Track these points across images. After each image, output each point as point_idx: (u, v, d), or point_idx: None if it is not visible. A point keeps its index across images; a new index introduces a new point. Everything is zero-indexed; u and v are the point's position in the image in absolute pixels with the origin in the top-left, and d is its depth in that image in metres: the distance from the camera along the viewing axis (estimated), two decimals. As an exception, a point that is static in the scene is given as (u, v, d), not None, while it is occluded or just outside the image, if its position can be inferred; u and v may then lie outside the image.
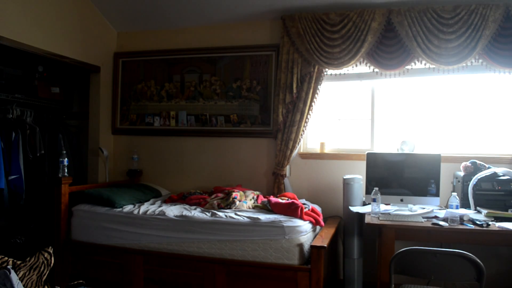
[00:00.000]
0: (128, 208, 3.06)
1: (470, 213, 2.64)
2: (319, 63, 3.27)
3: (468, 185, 2.81)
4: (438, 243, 3.10)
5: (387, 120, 3.48)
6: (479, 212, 2.72)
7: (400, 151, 3.17)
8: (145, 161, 3.94)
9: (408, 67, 3.17)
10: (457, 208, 2.66)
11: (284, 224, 2.63)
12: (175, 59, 3.86)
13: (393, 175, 3.00)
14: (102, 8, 3.75)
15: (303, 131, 3.38)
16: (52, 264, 1.88)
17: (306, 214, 2.80)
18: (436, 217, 2.68)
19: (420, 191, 2.94)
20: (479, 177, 2.79)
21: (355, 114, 3.56)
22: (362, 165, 3.16)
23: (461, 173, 2.95)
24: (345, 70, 3.30)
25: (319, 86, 3.36)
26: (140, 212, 2.95)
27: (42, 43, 3.17)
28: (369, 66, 3.25)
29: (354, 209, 2.92)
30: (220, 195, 3.22)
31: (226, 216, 2.80)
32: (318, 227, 2.96)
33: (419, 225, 2.51)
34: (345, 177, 3.11)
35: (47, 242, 2.70)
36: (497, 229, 2.41)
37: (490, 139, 3.26)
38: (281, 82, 3.39)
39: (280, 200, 3.01)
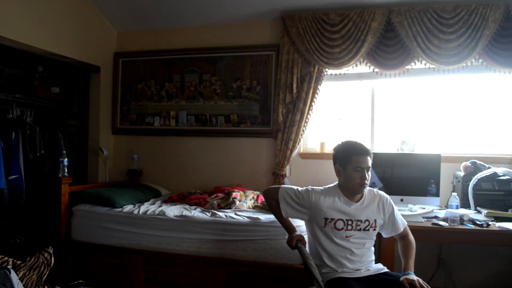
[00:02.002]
0: (128, 208, 3.06)
1: (470, 213, 2.64)
2: (319, 63, 3.27)
3: (468, 185, 2.82)
4: (438, 243, 3.11)
5: (387, 120, 3.48)
6: (479, 212, 2.72)
7: (400, 151, 3.17)
8: (145, 161, 3.94)
9: (408, 67, 3.17)
10: (457, 208, 2.67)
11: (284, 224, 2.62)
12: (175, 59, 3.86)
13: (393, 175, 3.00)
14: (102, 8, 3.75)
15: (303, 131, 3.38)
16: (52, 264, 1.88)
17: (306, 214, 2.80)
18: (436, 217, 2.69)
19: (420, 191, 2.94)
20: (479, 177, 2.80)
21: (355, 114, 3.56)
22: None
23: (461, 173, 2.95)
24: (345, 70, 3.30)
25: (319, 86, 3.36)
26: (140, 212, 2.95)
27: (42, 43, 3.17)
28: (369, 66, 3.25)
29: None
30: (220, 195, 3.22)
31: (226, 216, 2.80)
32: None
33: (419, 225, 2.52)
34: (345, 177, 3.11)
35: (47, 242, 2.70)
36: (497, 229, 2.41)
37: (490, 139, 3.26)
38: (281, 82, 3.39)
39: (280, 200, 3.01)
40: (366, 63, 3.23)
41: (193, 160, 3.81)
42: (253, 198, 3.21)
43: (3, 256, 1.81)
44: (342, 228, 2.06)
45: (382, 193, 2.18)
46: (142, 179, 3.93)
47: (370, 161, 2.05)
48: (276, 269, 2.59)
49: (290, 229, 2.21)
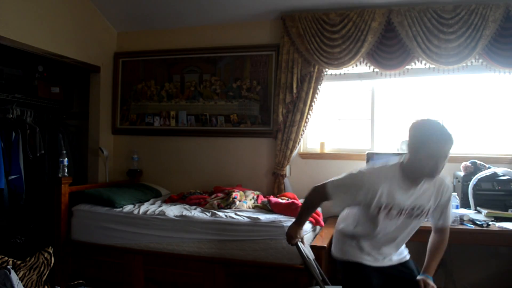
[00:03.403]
0: (128, 208, 3.06)
1: (470, 213, 2.64)
2: (319, 63, 3.27)
3: (468, 185, 2.81)
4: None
5: (387, 120, 3.48)
6: (479, 212, 2.72)
7: (400, 151, 3.17)
8: (145, 161, 3.94)
9: (408, 67, 3.17)
10: (457, 208, 2.67)
11: (284, 224, 2.62)
12: (175, 59, 3.86)
13: (393, 175, 2.99)
14: (102, 8, 3.75)
15: (303, 131, 3.38)
16: (52, 264, 1.88)
17: (306, 214, 2.80)
18: (436, 217, 2.68)
19: (420, 191, 2.93)
20: (479, 177, 2.80)
21: (355, 114, 3.56)
22: (362, 165, 3.15)
23: (461, 173, 2.95)
24: (345, 70, 3.30)
25: (319, 86, 3.36)
26: (140, 212, 2.95)
27: (42, 43, 3.17)
28: (369, 66, 3.25)
29: (354, 209, 2.92)
30: (220, 195, 3.22)
31: (226, 216, 2.80)
32: (318, 227, 2.96)
33: (419, 225, 2.50)
34: (345, 177, 3.11)
35: (47, 242, 2.70)
36: (497, 229, 2.41)
37: (490, 139, 3.25)
38: (281, 82, 3.39)
39: (280, 200, 3.01)
40: (366, 63, 3.23)
41: (193, 160, 3.81)
42: (253, 198, 3.21)
43: (3, 256, 1.81)
44: (395, 214, 1.82)
45: (443, 178, 1.92)
46: (142, 179, 3.93)
47: (450, 150, 1.76)
48: (276, 269, 2.59)
49: (301, 224, 2.05)
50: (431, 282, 1.83)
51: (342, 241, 1.92)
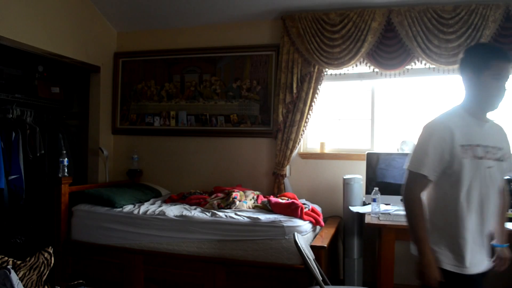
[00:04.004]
0: (128, 208, 3.06)
1: (470, 213, 2.63)
2: (319, 63, 3.27)
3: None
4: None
5: (387, 120, 3.48)
6: (479, 212, 2.71)
7: (400, 151, 3.17)
8: (145, 161, 3.94)
9: (408, 67, 3.17)
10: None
11: (284, 224, 2.63)
12: (175, 59, 3.86)
13: (393, 175, 3.00)
14: (102, 8, 3.75)
15: (303, 131, 3.38)
16: (52, 264, 1.88)
17: (306, 214, 2.80)
18: (436, 217, 2.67)
19: (420, 191, 2.93)
20: (479, 177, 2.79)
21: (355, 114, 3.56)
22: (362, 165, 3.16)
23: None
24: (345, 70, 3.31)
25: (319, 86, 3.36)
26: (140, 212, 2.95)
27: (42, 43, 3.17)
28: (369, 66, 3.25)
29: (354, 209, 2.92)
30: (220, 195, 3.23)
31: (226, 216, 2.80)
32: (318, 227, 2.96)
33: (419, 225, 2.50)
34: (345, 177, 3.12)
35: (47, 242, 2.70)
36: (497, 229, 2.41)
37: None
38: (281, 82, 3.39)
39: (280, 200, 3.01)
40: (366, 63, 3.23)
41: (193, 160, 3.81)
42: (253, 198, 3.21)
43: (3, 256, 1.81)
44: (480, 153, 1.59)
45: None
46: (142, 179, 3.93)
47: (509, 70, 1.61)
48: (276, 269, 2.59)
49: (427, 252, 1.59)
50: (508, 254, 1.70)
51: (433, 241, 1.60)
